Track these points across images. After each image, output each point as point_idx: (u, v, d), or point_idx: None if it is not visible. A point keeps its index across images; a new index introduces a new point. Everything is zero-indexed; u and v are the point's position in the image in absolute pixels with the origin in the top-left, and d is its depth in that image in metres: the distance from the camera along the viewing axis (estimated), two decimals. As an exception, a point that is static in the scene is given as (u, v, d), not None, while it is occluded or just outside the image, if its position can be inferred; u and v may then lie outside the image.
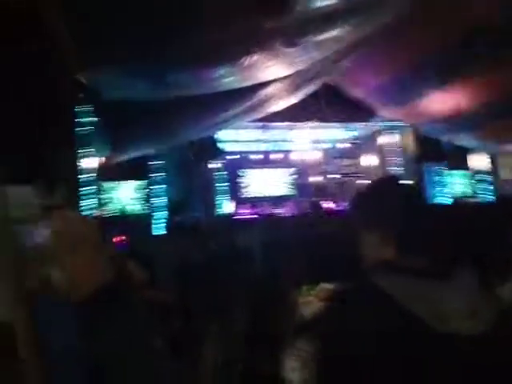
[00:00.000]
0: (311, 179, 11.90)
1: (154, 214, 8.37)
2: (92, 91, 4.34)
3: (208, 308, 2.57)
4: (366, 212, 0.98)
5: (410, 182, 7.39)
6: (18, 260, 0.58)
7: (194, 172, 8.71)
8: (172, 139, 7.20)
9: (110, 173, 7.47)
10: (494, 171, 9.82)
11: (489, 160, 9.92)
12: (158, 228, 8.06)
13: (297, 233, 4.18)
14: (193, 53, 4.30)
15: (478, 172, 10.24)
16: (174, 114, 5.74)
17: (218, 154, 8.18)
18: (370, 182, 1.08)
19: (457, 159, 10.19)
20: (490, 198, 9.82)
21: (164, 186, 8.67)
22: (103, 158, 6.58)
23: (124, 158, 6.93)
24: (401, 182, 1.00)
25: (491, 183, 10.00)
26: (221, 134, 8.75)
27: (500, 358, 0.75)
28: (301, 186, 11.91)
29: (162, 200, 8.53)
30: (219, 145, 8.10)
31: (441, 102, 6.67)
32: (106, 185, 8.07)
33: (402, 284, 0.77)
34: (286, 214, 10.85)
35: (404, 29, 5.48)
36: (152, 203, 8.49)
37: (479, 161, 10.50)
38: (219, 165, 9.52)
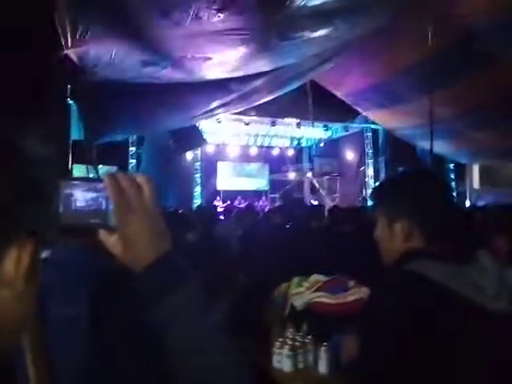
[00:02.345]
0: (288, 175, 11.97)
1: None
2: (78, 69, 4.17)
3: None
4: (398, 200, 0.96)
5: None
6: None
7: (172, 161, 8.55)
8: (153, 126, 7.04)
9: (85, 156, 7.22)
10: (466, 180, 10.19)
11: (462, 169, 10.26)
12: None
13: (285, 225, 4.19)
14: (187, 38, 4.21)
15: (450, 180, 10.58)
16: (158, 100, 5.60)
17: (199, 143, 8.06)
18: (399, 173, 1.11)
19: (427, 166, 10.51)
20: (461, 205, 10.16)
21: (139, 172, 8.46)
22: (80, 140, 6.36)
23: (101, 141, 6.71)
24: (433, 175, 1.02)
25: (460, 192, 10.38)
26: (202, 124, 8.64)
27: None
28: (277, 182, 11.97)
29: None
30: (201, 135, 7.98)
31: (422, 108, 6.83)
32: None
33: (439, 269, 0.80)
34: (261, 208, 10.88)
35: (392, 33, 5.58)
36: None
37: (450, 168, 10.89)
38: (198, 155, 9.40)
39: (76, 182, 0.53)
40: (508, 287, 0.81)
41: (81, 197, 0.53)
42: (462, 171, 10.37)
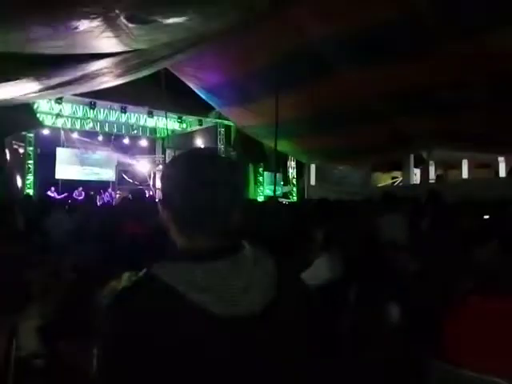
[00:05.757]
0: (137, 167, 11.47)
1: None
2: None
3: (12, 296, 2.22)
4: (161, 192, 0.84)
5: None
6: None
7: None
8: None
9: None
10: (304, 177, 11.33)
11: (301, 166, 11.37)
12: None
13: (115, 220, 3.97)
14: (26, 6, 3.59)
15: (290, 176, 11.65)
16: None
17: (33, 126, 7.05)
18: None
19: (274, 163, 11.39)
20: (297, 199, 11.31)
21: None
22: None
23: None
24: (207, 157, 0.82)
25: (299, 187, 11.53)
26: (38, 104, 7.60)
27: (282, 330, 0.73)
28: (124, 173, 11.37)
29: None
30: (35, 116, 6.99)
31: (269, 109, 7.30)
32: None
33: (181, 272, 0.72)
34: (106, 200, 10.23)
35: (246, 34, 5.81)
36: None
37: (292, 166, 12.04)
38: (32, 139, 8.23)
39: None
40: (259, 283, 0.75)
41: None
42: (302, 169, 11.56)
